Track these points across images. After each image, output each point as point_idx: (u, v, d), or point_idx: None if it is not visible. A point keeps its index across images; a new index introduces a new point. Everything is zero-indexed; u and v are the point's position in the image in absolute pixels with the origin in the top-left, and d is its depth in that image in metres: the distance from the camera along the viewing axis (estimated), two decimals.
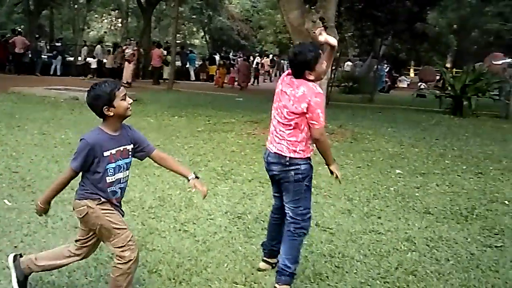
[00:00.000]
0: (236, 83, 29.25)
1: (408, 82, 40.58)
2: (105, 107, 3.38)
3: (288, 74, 4.11)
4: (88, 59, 30.44)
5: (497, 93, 21.54)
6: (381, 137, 12.15)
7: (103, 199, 3.43)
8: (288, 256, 4.05)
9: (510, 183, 8.12)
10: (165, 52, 27.89)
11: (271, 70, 39.83)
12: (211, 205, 6.16)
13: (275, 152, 4.05)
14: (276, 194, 4.35)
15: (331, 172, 4.17)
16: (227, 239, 5.12)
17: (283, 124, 4.02)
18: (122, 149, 3.51)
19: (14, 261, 3.76)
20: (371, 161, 9.35)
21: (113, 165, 3.45)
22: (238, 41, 48.55)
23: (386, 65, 34.93)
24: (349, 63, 37.58)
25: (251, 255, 4.70)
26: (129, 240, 3.44)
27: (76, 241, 3.68)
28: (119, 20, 48.46)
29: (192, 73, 33.07)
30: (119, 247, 3.43)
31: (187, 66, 33.41)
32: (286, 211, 4.13)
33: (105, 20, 52.81)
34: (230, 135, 11.36)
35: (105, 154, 3.41)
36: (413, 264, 4.71)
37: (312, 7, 11.29)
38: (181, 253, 4.68)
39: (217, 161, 8.57)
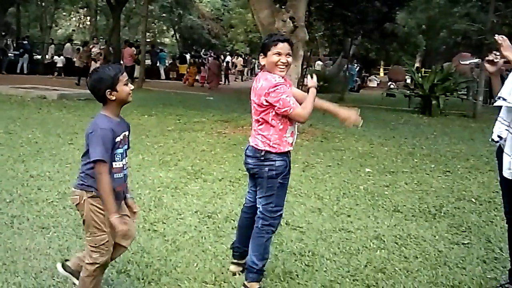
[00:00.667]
0: (206, 82, 29.18)
1: (378, 82, 41.00)
2: (107, 90, 3.33)
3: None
4: (55, 57, 30.05)
5: (465, 92, 21.88)
6: (351, 136, 12.22)
7: (95, 193, 3.35)
8: (255, 253, 4.01)
9: (477, 181, 8.24)
10: (135, 51, 27.67)
11: (244, 70, 39.94)
12: (181, 205, 6.12)
13: (252, 146, 4.01)
14: (252, 189, 4.28)
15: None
16: (197, 238, 5.09)
17: (255, 119, 3.99)
18: (124, 135, 3.49)
19: (65, 269, 3.68)
20: (341, 159, 9.41)
21: (120, 150, 3.42)
22: (209, 40, 48.43)
23: (356, 65, 35.21)
24: (320, 62, 37.81)
25: (221, 255, 4.68)
26: (102, 244, 3.40)
27: None
28: (88, 18, 47.86)
29: (162, 72, 32.91)
30: (91, 246, 3.41)
31: (157, 65, 33.23)
32: (257, 206, 4.08)
33: (74, 18, 52.12)
34: (200, 134, 11.32)
35: (117, 139, 3.37)
36: (382, 262, 4.74)
37: (282, 7, 11.32)
38: (150, 253, 4.64)
39: (187, 160, 8.53)
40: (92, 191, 3.36)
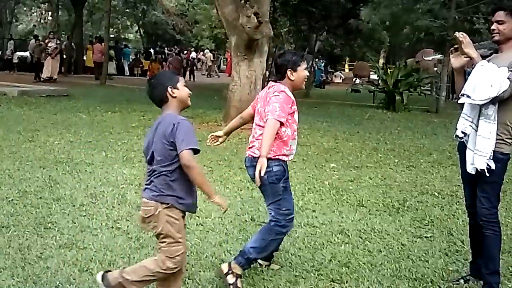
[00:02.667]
0: None
1: (343, 77, 41.29)
2: (169, 87, 3.38)
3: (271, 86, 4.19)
4: (16, 53, 29.45)
5: (429, 88, 22.17)
6: (316, 131, 12.27)
7: (171, 203, 3.33)
8: (255, 245, 4.06)
9: (440, 176, 8.35)
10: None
11: (213, 66, 39.73)
12: None
13: (249, 154, 4.11)
14: None
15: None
16: None
17: (258, 125, 4.11)
18: None
19: (103, 280, 3.46)
20: (307, 155, 9.43)
21: None
22: (174, 36, 48.06)
23: (322, 61, 35.39)
24: None
25: None
26: (178, 255, 3.39)
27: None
28: (49, 13, 46.95)
29: (126, 68, 32.53)
30: (166, 256, 3.38)
31: (122, 61, 32.82)
32: (269, 213, 4.12)
33: (35, 13, 51.07)
34: None
35: None
36: (347, 256, 4.76)
37: (247, 2, 11.28)
38: (113, 250, 4.58)
39: None
40: (168, 203, 3.32)
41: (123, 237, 4.91)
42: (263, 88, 12.78)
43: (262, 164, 3.78)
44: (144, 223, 3.45)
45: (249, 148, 4.14)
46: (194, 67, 34.44)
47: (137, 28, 50.26)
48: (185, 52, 37.06)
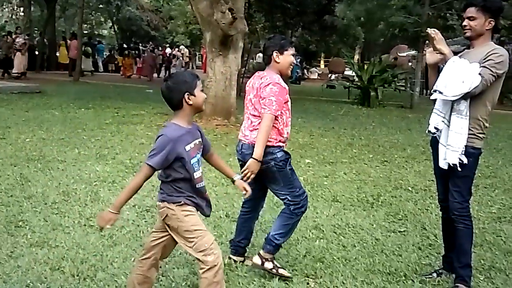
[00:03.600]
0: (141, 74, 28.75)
1: (319, 73, 41.43)
2: (186, 93, 3.25)
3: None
4: None
5: (403, 84, 22.36)
6: (292, 127, 12.16)
7: (183, 201, 3.29)
8: (279, 231, 4.16)
9: (413, 170, 8.42)
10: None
11: (189, 62, 39.53)
12: None
13: (249, 142, 4.13)
14: (251, 187, 4.35)
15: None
16: (135, 232, 4.99)
17: (253, 115, 4.14)
18: (197, 142, 3.38)
19: None
20: None
21: (195, 159, 3.34)
22: (148, 32, 47.65)
23: (298, 57, 35.45)
24: (261, 54, 37.64)
25: None
26: (211, 244, 3.28)
27: (152, 232, 3.55)
28: (21, 9, 46.25)
29: (100, 64, 32.22)
30: (201, 251, 3.26)
31: (96, 57, 32.51)
32: (282, 198, 4.22)
33: (6, 9, 50.28)
34: (139, 127, 11.13)
35: (187, 148, 3.28)
36: (321, 251, 4.77)
37: None
38: (85, 248, 4.53)
39: (125, 154, 8.36)
40: (180, 201, 3.29)
41: (96, 235, 4.85)
42: (238, 84, 12.78)
43: (254, 170, 4.00)
44: (169, 226, 3.39)
45: (245, 135, 4.18)
46: (170, 64, 34.23)
47: (111, 24, 49.76)
48: (160, 48, 36.83)
